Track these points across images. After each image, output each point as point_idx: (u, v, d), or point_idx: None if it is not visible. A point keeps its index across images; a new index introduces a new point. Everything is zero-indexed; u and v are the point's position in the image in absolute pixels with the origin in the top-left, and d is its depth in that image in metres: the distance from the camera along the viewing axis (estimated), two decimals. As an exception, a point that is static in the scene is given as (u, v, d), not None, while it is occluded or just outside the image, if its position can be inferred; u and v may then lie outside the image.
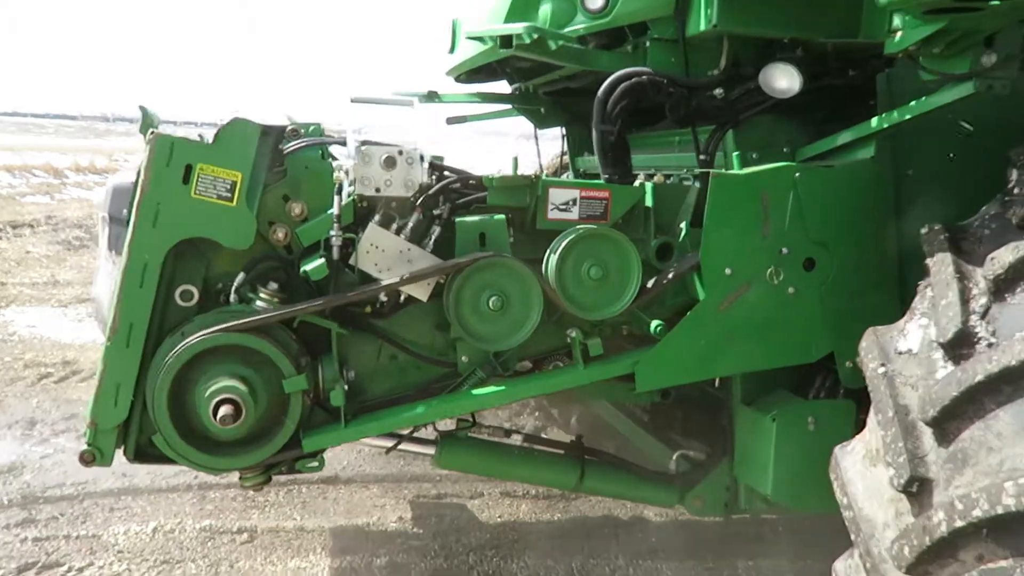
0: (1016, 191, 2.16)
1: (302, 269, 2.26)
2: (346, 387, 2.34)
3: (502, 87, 4.26)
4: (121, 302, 2.19)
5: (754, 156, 2.69)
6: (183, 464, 2.30)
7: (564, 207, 2.55)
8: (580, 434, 2.92)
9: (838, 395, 2.64)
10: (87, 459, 2.21)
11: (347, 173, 2.31)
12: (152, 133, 2.17)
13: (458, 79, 3.78)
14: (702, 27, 2.50)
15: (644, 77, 2.52)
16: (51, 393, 5.50)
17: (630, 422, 3.21)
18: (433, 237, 2.43)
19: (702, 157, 2.67)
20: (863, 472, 2.08)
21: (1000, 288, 1.90)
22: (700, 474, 2.88)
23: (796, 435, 2.58)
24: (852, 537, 2.09)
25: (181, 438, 2.22)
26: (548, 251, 2.45)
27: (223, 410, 2.08)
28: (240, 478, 2.38)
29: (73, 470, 4.28)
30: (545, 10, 2.90)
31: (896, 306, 2.48)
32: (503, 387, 2.45)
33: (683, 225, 2.62)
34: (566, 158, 4.20)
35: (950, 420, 1.82)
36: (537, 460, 2.84)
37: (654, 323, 2.50)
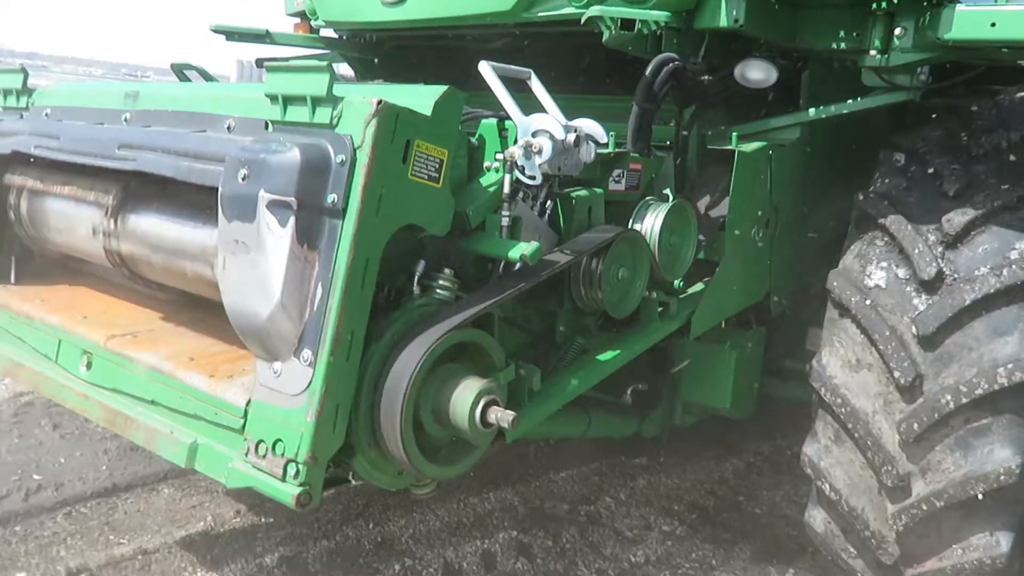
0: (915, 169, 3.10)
1: (511, 254, 2.07)
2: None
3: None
4: (345, 307, 1.78)
5: (709, 134, 3.21)
6: (389, 485, 1.99)
7: (617, 179, 2.75)
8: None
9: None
10: (304, 502, 1.77)
11: (524, 150, 2.16)
12: (372, 100, 1.75)
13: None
14: (723, 23, 2.88)
15: (678, 62, 2.81)
16: None
17: None
18: (548, 213, 2.42)
19: (684, 133, 3.08)
20: (848, 377, 2.86)
21: (953, 241, 2.80)
22: (649, 403, 3.37)
23: (744, 358, 3.28)
24: (836, 426, 2.87)
25: (420, 451, 1.91)
26: (633, 221, 2.65)
27: (495, 412, 1.89)
28: (413, 490, 2.11)
29: None
30: None
31: (799, 259, 3.34)
32: (619, 348, 2.60)
33: (667, 191, 3.02)
34: None
35: (939, 333, 2.69)
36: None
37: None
